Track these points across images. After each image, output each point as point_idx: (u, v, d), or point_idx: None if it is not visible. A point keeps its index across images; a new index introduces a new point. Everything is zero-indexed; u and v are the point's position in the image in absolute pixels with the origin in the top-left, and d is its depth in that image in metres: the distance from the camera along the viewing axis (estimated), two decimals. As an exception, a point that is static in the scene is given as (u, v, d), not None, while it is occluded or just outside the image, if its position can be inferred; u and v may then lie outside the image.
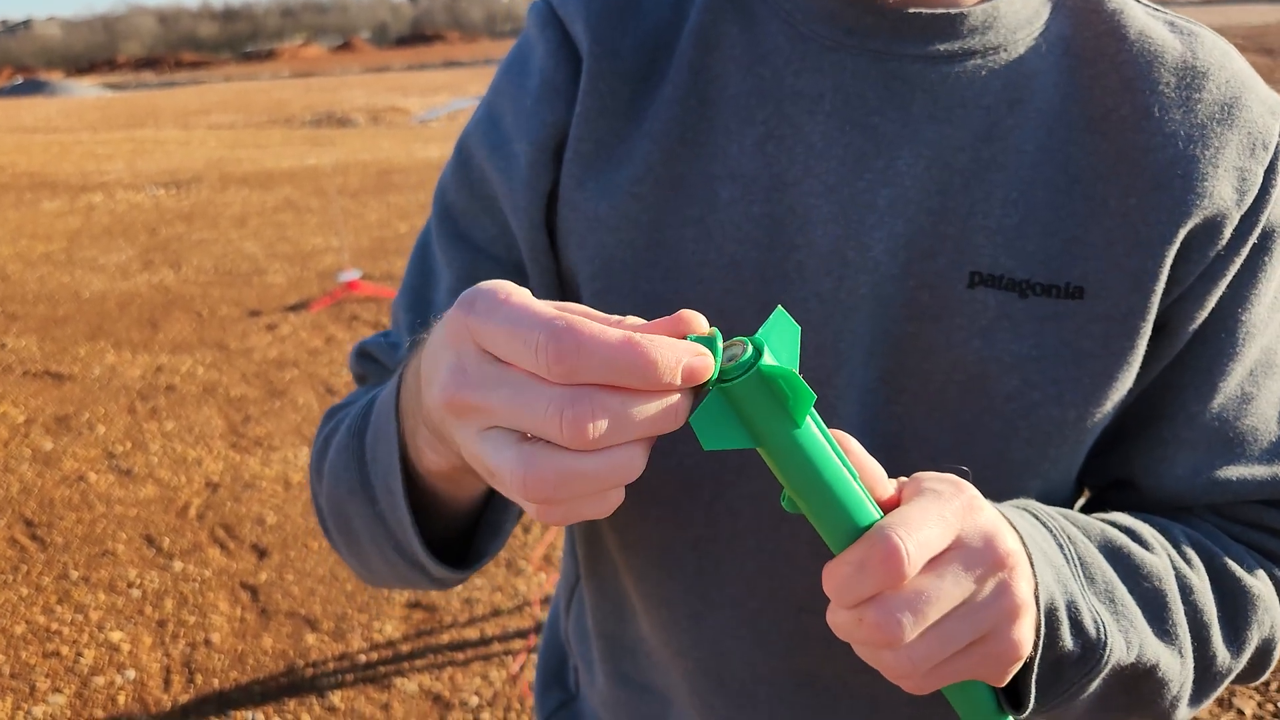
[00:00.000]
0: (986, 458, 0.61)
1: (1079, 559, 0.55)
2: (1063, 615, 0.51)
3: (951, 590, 0.44)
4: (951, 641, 0.45)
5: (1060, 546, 0.54)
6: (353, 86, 26.86)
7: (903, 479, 0.48)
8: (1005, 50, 0.61)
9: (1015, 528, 0.50)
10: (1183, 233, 0.59)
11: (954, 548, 0.45)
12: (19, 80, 45.91)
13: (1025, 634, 0.47)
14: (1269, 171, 0.60)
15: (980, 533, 0.46)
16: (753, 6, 0.64)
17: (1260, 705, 2.28)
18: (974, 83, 0.60)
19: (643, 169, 0.63)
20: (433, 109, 19.23)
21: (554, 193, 0.66)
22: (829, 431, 0.42)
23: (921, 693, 0.47)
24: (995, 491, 0.61)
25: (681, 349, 0.37)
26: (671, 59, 0.65)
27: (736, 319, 0.61)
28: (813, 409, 0.41)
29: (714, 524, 0.66)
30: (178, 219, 8.58)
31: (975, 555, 0.45)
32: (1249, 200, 0.59)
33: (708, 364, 0.38)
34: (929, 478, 0.47)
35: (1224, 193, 0.59)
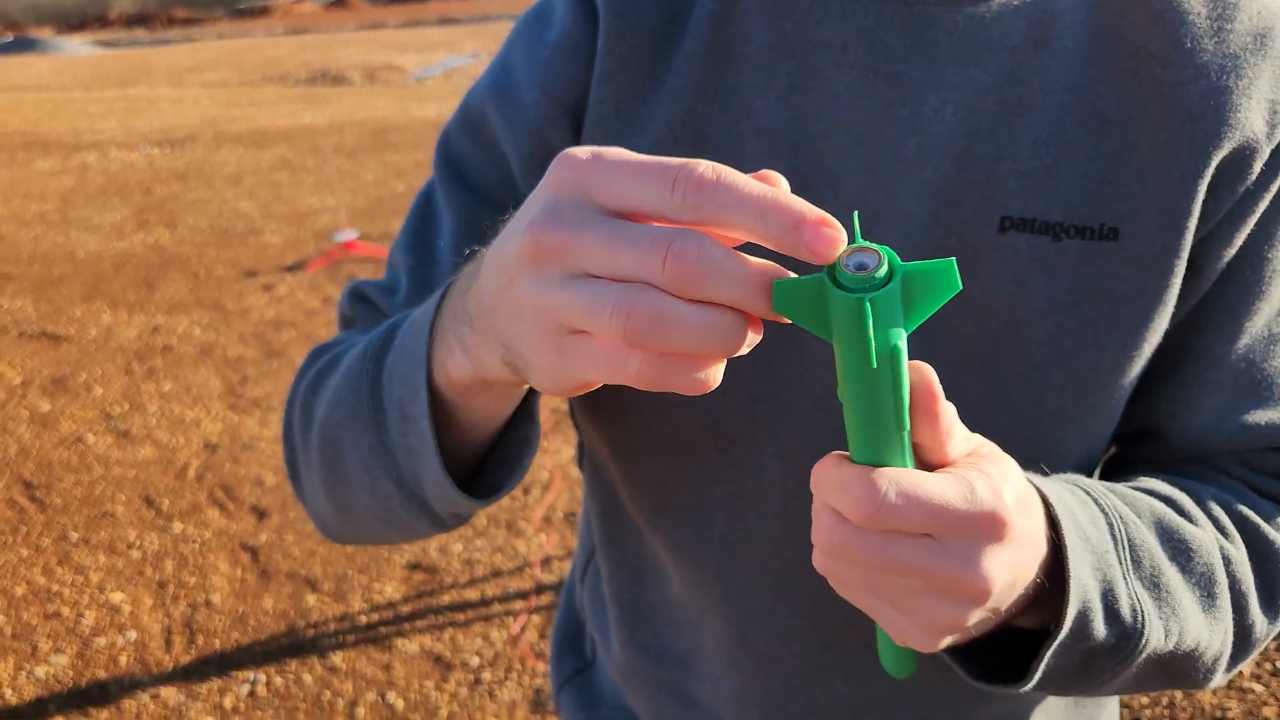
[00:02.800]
0: (1021, 405, 0.60)
1: (1129, 540, 0.53)
2: (1096, 606, 0.49)
3: (934, 507, 0.41)
4: (895, 558, 0.42)
5: (1110, 526, 0.52)
6: (348, 44, 26.56)
7: (979, 439, 0.46)
8: None
9: (1054, 504, 0.48)
10: (1214, 165, 0.57)
11: (963, 467, 0.43)
12: (9, 38, 45.37)
13: (970, 618, 0.44)
14: None
15: (994, 489, 0.43)
16: None
17: (1258, 664, 2.29)
18: (999, 24, 0.58)
19: (664, 129, 0.62)
20: (428, 67, 19.01)
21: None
22: (905, 372, 0.39)
23: (837, 588, 0.45)
24: (1032, 439, 0.59)
25: (821, 216, 0.35)
26: (691, 15, 0.63)
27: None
28: (902, 344, 0.38)
29: (743, 481, 0.65)
30: (172, 178, 8.51)
31: (975, 499, 0.42)
32: (1273, 142, 0.57)
33: (840, 238, 0.35)
34: (989, 455, 0.45)
35: (1256, 124, 0.57)
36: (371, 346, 0.61)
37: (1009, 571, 0.44)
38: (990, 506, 0.42)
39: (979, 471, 0.43)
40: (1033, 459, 0.59)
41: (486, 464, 0.64)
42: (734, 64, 0.61)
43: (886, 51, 0.59)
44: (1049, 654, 0.49)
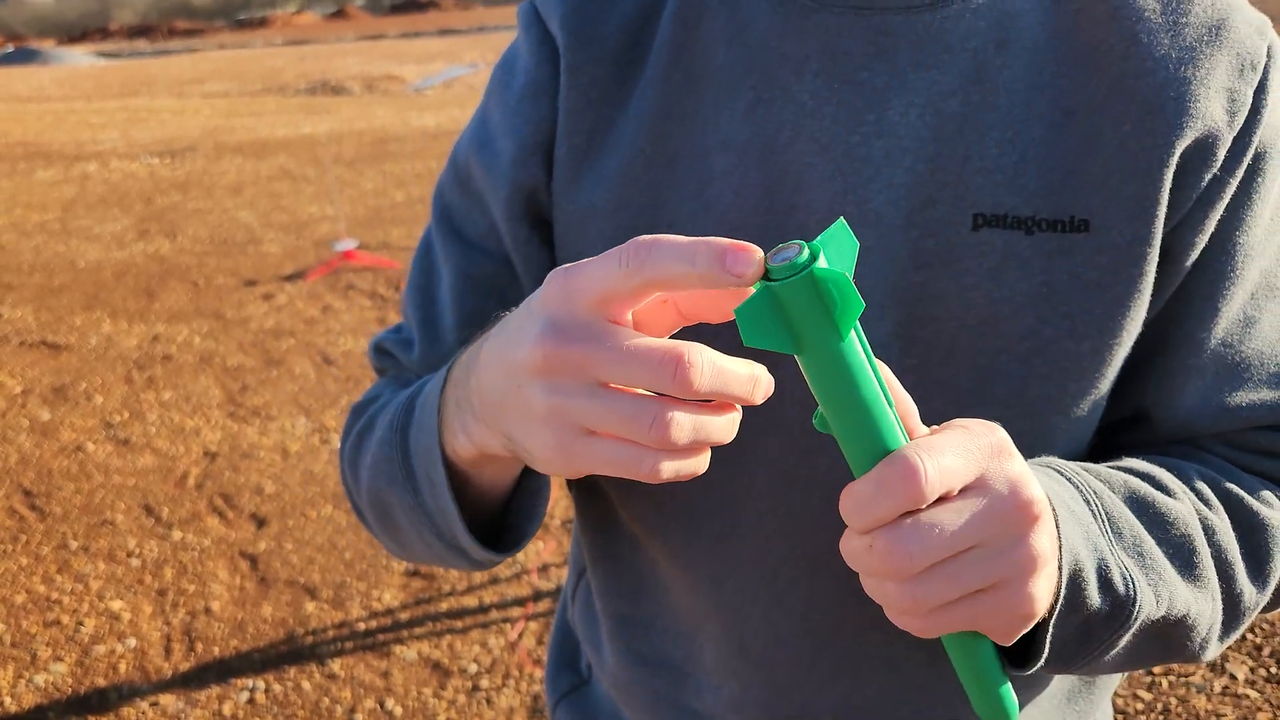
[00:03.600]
0: (1006, 397, 0.61)
1: (1106, 514, 0.54)
2: (1090, 574, 0.51)
3: (967, 529, 0.43)
4: (960, 583, 0.44)
5: (1087, 502, 0.54)
6: (347, 54, 26.64)
7: (937, 426, 0.47)
8: None
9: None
10: (1177, 154, 0.58)
11: (976, 486, 0.44)
12: (10, 49, 45.50)
13: (1041, 590, 0.46)
14: (1258, 91, 0.59)
15: (1005, 477, 0.45)
16: None
17: (1252, 670, 2.30)
18: (958, 27, 0.60)
19: (633, 152, 0.64)
20: (428, 77, 19.07)
21: (545, 190, 0.68)
22: (873, 355, 0.42)
23: (924, 635, 0.46)
24: (1019, 431, 0.61)
25: (738, 243, 0.39)
26: (654, 41, 0.65)
27: None
28: (859, 326, 0.40)
29: (734, 485, 0.67)
30: (173, 188, 8.53)
31: (997, 498, 0.44)
32: (1240, 120, 0.59)
33: (755, 255, 0.39)
34: (963, 420, 0.47)
35: (1215, 113, 0.58)
36: (397, 418, 0.66)
37: (1051, 539, 0.47)
38: (1016, 499, 0.45)
39: (995, 465, 0.45)
40: (1020, 449, 0.60)
41: (509, 511, 0.69)
42: (697, 83, 0.63)
43: (848, 61, 0.60)
44: (1051, 624, 0.50)
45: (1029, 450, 0.60)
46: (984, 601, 0.45)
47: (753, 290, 0.40)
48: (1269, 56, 0.60)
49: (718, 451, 0.65)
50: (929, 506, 0.43)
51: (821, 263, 0.38)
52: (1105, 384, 0.63)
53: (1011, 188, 0.59)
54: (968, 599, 0.45)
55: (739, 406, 0.44)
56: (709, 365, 0.41)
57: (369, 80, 18.61)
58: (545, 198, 0.69)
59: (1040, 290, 0.59)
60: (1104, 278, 0.59)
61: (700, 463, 0.45)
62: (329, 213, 7.12)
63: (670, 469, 0.44)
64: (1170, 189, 0.59)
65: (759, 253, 0.39)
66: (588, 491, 0.79)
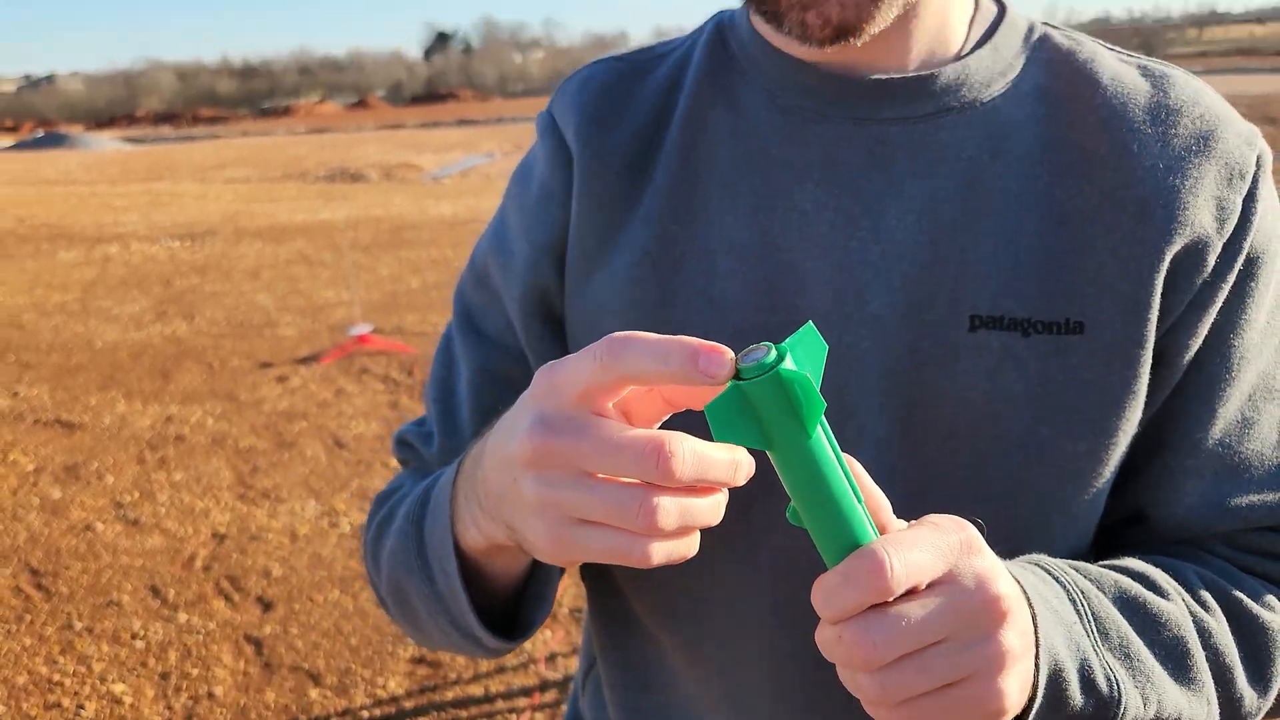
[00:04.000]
0: (1004, 496, 0.63)
1: (1092, 614, 0.55)
2: (1071, 674, 0.51)
3: (932, 622, 0.44)
4: (929, 676, 0.45)
5: (1073, 601, 0.55)
6: (367, 143, 27.33)
7: (913, 521, 0.49)
8: (981, 103, 0.64)
9: (1021, 584, 0.50)
10: (1168, 260, 0.61)
11: (944, 581, 0.45)
12: (40, 133, 46.81)
13: (1011, 686, 0.47)
14: (1248, 199, 0.62)
15: (974, 572, 0.46)
16: (735, 88, 0.68)
17: None
18: (954, 137, 0.63)
19: (641, 253, 0.67)
20: (445, 166, 19.53)
21: (558, 290, 0.72)
22: (840, 452, 0.44)
23: None
24: (1016, 528, 0.62)
25: (710, 344, 0.42)
26: (663, 146, 0.69)
27: None
28: (825, 423, 0.43)
29: (740, 580, 0.68)
30: (192, 271, 8.70)
31: (965, 593, 0.45)
32: (1230, 228, 0.62)
33: (726, 357, 0.41)
34: (934, 516, 0.48)
35: (1205, 221, 0.61)
36: (413, 509, 0.68)
37: (1022, 636, 0.47)
38: (984, 595, 0.46)
39: (964, 561, 0.46)
40: (1020, 547, 0.61)
41: (520, 599, 0.71)
42: (702, 186, 0.67)
43: (847, 169, 0.64)
44: (1031, 716, 0.50)
45: (1028, 547, 0.62)
46: (953, 695, 0.46)
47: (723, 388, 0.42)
48: (1258, 166, 0.63)
49: (723, 546, 0.67)
50: (897, 600, 0.44)
51: (789, 364, 0.41)
52: (1103, 483, 0.64)
53: (1007, 290, 0.61)
54: (937, 693, 0.46)
55: (724, 490, 0.46)
56: (690, 453, 0.42)
57: (387, 168, 19.07)
58: (558, 297, 0.72)
59: (1037, 391, 0.61)
60: (1099, 379, 0.61)
61: (690, 545, 0.46)
62: (345, 297, 7.24)
63: (661, 553, 0.45)
64: (1162, 293, 0.61)
65: (729, 354, 0.41)
66: (599, 581, 0.81)
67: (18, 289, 8.21)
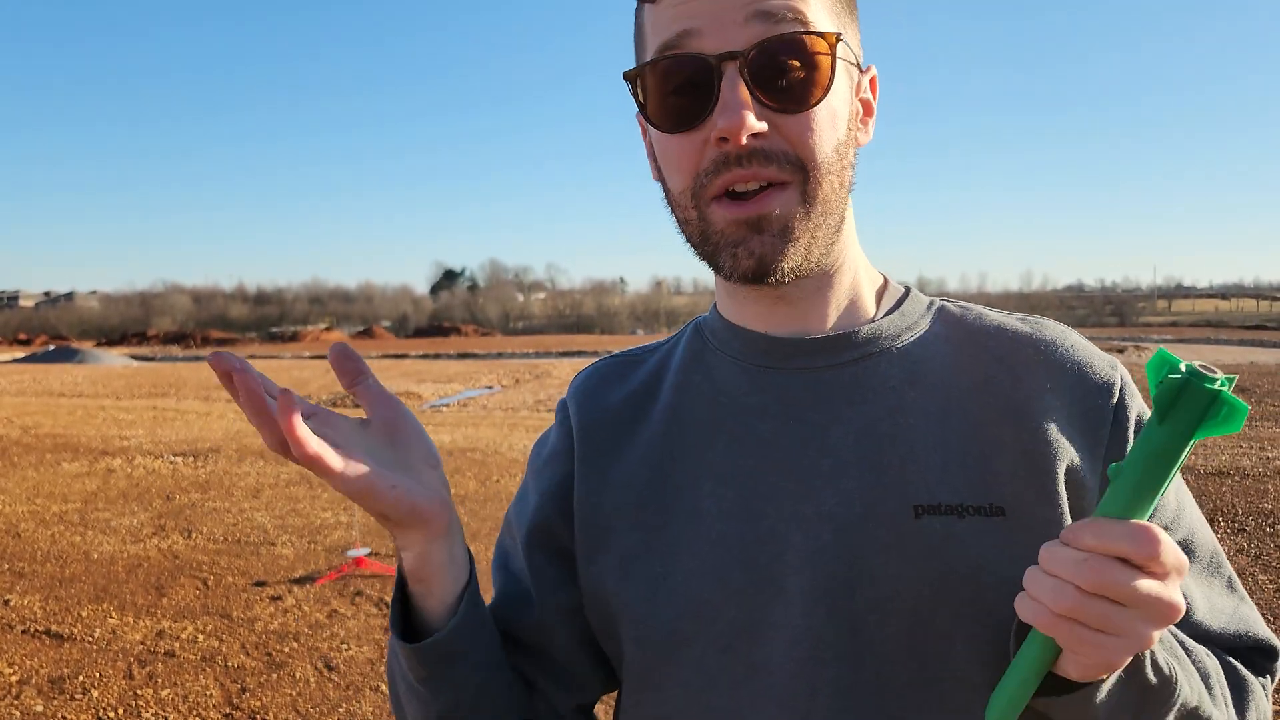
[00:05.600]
0: (960, 649, 0.75)
1: None
2: (1146, 656, 0.67)
3: (1144, 600, 0.60)
4: (1106, 622, 0.60)
5: None
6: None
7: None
8: (896, 348, 0.83)
9: None
10: (1063, 468, 0.77)
11: (1169, 578, 0.61)
12: (52, 347, 48.05)
13: (1125, 659, 0.63)
14: (1116, 409, 0.80)
15: (1179, 590, 0.62)
16: (710, 361, 0.89)
17: None
18: (877, 373, 0.82)
19: (643, 483, 0.86)
20: (444, 397, 20.06)
21: (561, 528, 0.89)
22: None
23: (1036, 624, 0.63)
24: (967, 691, 0.75)
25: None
26: (655, 407, 0.89)
27: (731, 578, 0.78)
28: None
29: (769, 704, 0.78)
30: (193, 487, 8.82)
31: (1172, 598, 0.61)
32: (1105, 434, 0.79)
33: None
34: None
35: (1085, 428, 0.79)
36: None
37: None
38: (1176, 606, 0.61)
39: (1179, 574, 0.62)
40: (975, 700, 0.74)
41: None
42: (688, 433, 0.86)
43: (796, 404, 0.82)
44: (1109, 684, 0.66)
45: (967, 703, 0.75)
46: (1097, 639, 0.61)
47: (1180, 375, 0.58)
48: (1121, 381, 0.82)
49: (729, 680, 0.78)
50: (1137, 569, 0.59)
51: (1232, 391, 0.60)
52: None
53: (941, 484, 0.76)
54: (1092, 631, 0.61)
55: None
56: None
57: (389, 396, 19.49)
58: (560, 532, 0.89)
59: (979, 562, 0.74)
60: (1026, 553, 0.71)
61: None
62: (343, 519, 7.33)
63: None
64: (1066, 486, 0.77)
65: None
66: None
67: (18, 498, 8.29)
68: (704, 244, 0.80)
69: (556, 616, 0.89)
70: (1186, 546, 0.83)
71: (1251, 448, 10.20)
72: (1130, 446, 0.64)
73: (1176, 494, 0.84)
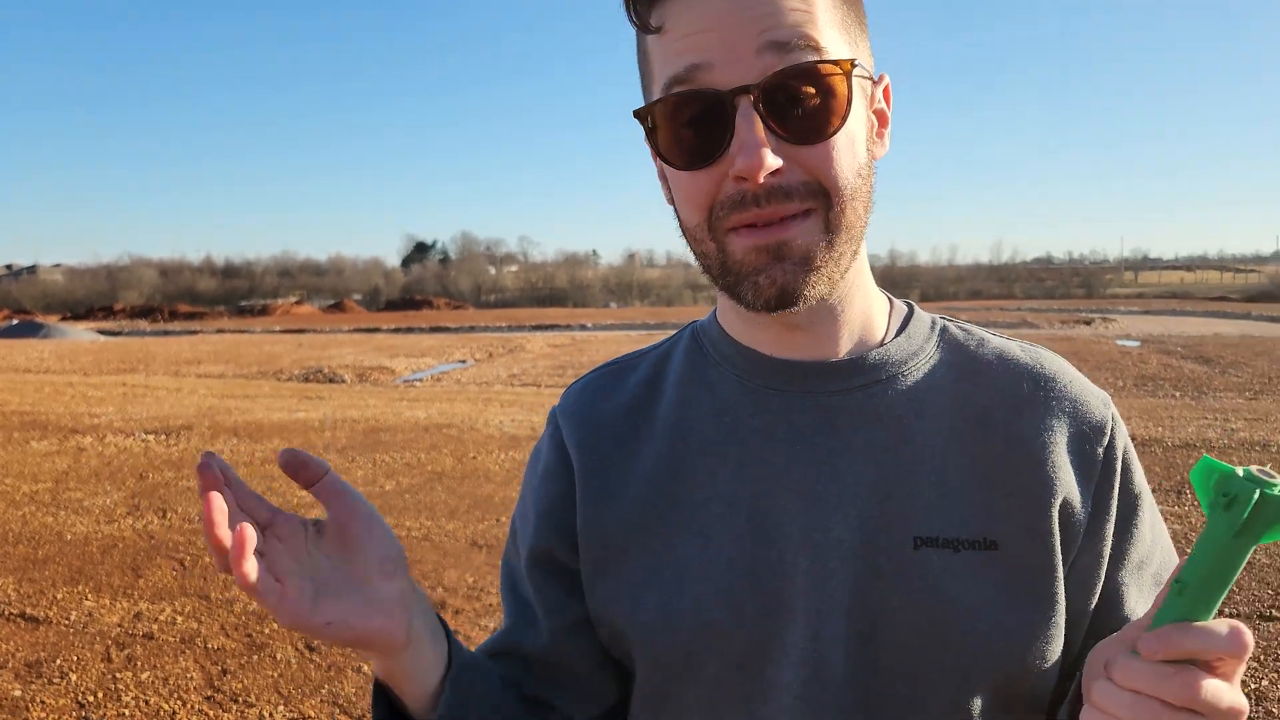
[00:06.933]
0: (951, 681, 0.78)
1: None
2: None
3: (1219, 697, 0.60)
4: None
5: None
6: (342, 345, 27.86)
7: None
8: (903, 376, 0.84)
9: None
10: (1057, 504, 0.80)
11: (1234, 682, 0.63)
12: (15, 321, 47.18)
13: None
14: (1108, 449, 0.83)
15: (1239, 687, 0.64)
16: (712, 377, 0.89)
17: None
18: (883, 401, 0.83)
19: (647, 504, 0.85)
20: (417, 371, 19.96)
21: (560, 546, 0.90)
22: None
23: None
24: (960, 711, 0.78)
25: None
26: (652, 421, 0.89)
27: (743, 602, 0.80)
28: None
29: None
30: (166, 465, 8.73)
31: (1239, 700, 0.62)
32: (1096, 474, 0.82)
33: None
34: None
35: (1079, 474, 0.81)
36: None
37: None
38: (1240, 707, 0.62)
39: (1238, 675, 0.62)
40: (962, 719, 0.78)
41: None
42: (691, 452, 0.86)
43: (805, 430, 0.82)
44: None
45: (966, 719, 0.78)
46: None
47: (1242, 477, 0.60)
48: (1113, 421, 0.85)
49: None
50: (1208, 672, 0.60)
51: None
52: (1040, 664, 0.80)
53: (940, 517, 0.79)
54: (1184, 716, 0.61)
55: None
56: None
57: (361, 370, 19.42)
58: (560, 552, 0.90)
59: (971, 593, 0.77)
60: (1017, 586, 0.77)
61: None
62: (319, 498, 7.29)
63: None
64: (1058, 523, 0.80)
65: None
66: None
67: (-13, 477, 8.18)
68: (724, 275, 0.79)
69: (563, 635, 0.90)
70: (1160, 578, 0.87)
71: (1216, 419, 10.41)
72: (1193, 550, 0.63)
73: (1152, 520, 0.87)
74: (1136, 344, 22.19)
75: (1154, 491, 7.13)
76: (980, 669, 0.78)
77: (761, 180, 0.73)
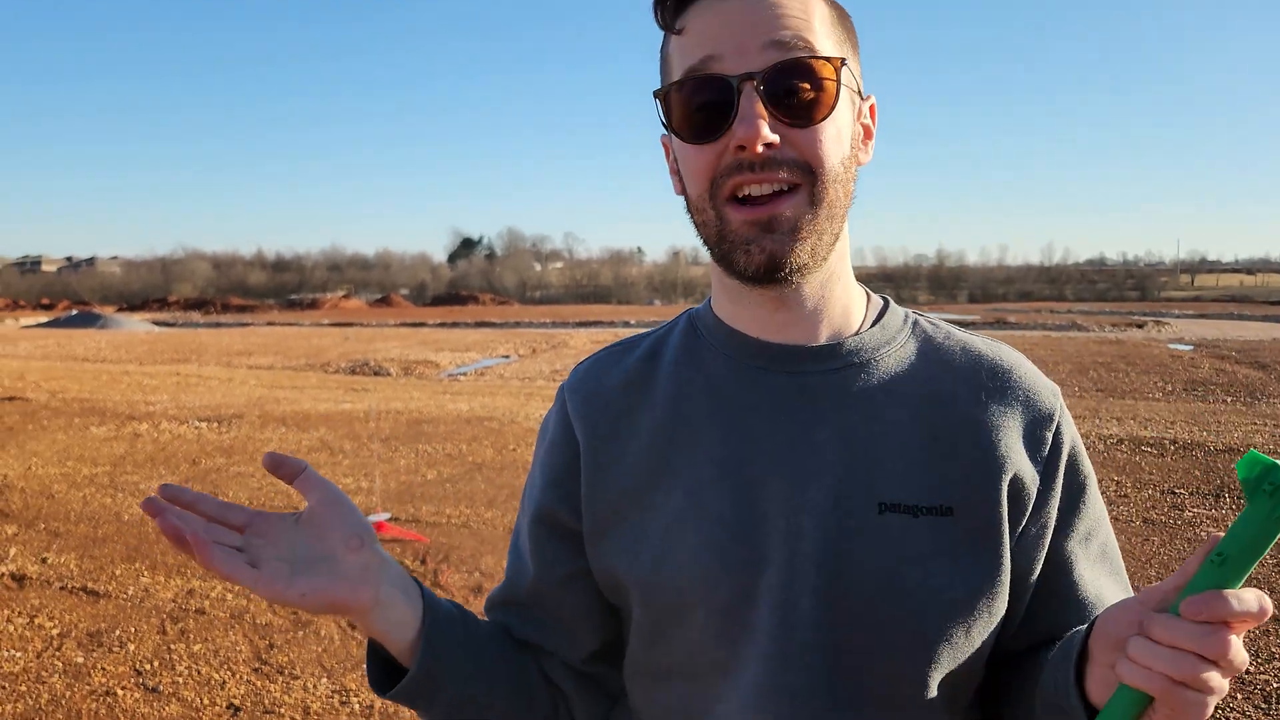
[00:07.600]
0: (907, 631, 0.87)
1: None
2: None
3: (1238, 658, 0.69)
4: (1204, 680, 0.68)
5: None
6: (388, 338, 28.29)
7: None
8: (876, 362, 0.94)
9: None
10: (1008, 478, 0.89)
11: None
12: (74, 312, 48.57)
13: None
14: (1055, 434, 0.93)
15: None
16: (706, 358, 0.98)
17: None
18: (857, 382, 0.93)
19: (647, 467, 0.96)
20: (461, 366, 20.25)
21: (563, 511, 0.99)
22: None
23: (1142, 686, 0.70)
24: (913, 655, 0.88)
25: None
26: (651, 397, 0.98)
27: (729, 553, 0.90)
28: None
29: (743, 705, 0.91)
30: (218, 452, 9.03)
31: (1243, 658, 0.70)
32: (1044, 455, 0.92)
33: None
34: None
35: (1028, 450, 0.91)
36: None
37: None
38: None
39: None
40: (919, 670, 0.87)
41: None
42: (688, 424, 0.96)
43: (786, 405, 0.93)
44: None
45: (922, 669, 0.87)
46: (1201, 700, 0.69)
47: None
48: (1060, 411, 0.95)
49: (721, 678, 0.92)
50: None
51: None
52: (986, 622, 0.90)
53: (902, 485, 0.89)
54: (1199, 693, 0.69)
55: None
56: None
57: (406, 364, 19.74)
58: (563, 515, 0.99)
59: (927, 554, 0.87)
60: (967, 548, 0.87)
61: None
62: (364, 485, 7.52)
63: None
64: (1007, 494, 0.90)
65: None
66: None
67: (49, 460, 8.53)
68: (720, 243, 0.89)
69: (555, 585, 1.02)
70: (1104, 549, 0.97)
71: (1266, 424, 10.24)
72: (1232, 528, 0.70)
73: (1096, 500, 0.97)
74: (1189, 348, 21.76)
75: (1191, 495, 7.07)
76: (932, 618, 0.87)
77: (759, 149, 0.83)
